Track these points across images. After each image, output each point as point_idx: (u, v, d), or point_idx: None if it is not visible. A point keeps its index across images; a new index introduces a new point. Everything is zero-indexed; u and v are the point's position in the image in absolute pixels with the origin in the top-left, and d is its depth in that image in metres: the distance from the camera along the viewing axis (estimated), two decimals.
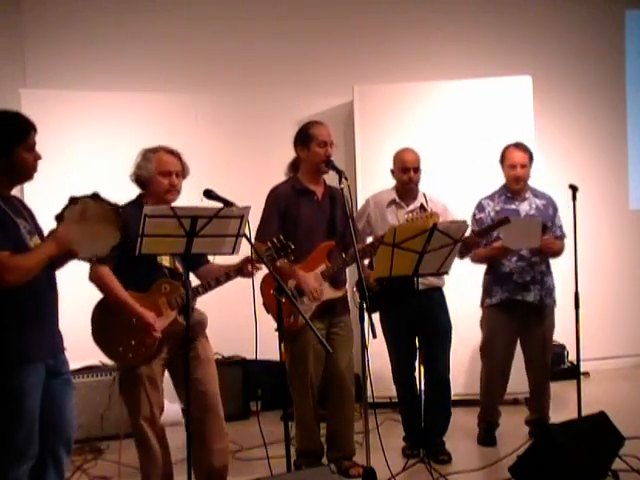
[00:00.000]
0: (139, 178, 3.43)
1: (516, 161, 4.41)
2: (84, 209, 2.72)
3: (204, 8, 6.18)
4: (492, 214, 4.43)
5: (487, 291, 4.48)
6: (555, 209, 4.53)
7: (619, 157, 6.94)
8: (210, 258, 3.54)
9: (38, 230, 2.80)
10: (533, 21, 6.67)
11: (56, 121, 5.21)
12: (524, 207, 4.46)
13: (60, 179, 5.00)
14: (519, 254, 4.35)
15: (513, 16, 6.64)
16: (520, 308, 4.39)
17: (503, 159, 4.48)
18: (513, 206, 4.46)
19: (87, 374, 4.82)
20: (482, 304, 4.53)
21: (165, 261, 3.33)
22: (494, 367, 4.46)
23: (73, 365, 4.37)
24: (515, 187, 4.45)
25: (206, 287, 3.38)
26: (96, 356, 4.92)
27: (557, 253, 4.43)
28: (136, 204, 3.38)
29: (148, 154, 3.42)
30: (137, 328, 3.28)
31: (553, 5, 6.72)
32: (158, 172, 3.38)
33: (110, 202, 2.78)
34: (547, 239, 4.29)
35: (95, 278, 3.26)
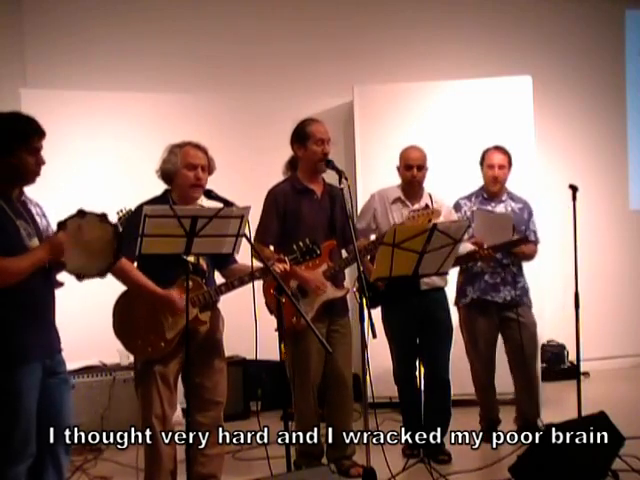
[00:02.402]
0: (165, 173, 3.44)
1: (495, 162, 4.48)
2: (88, 225, 2.73)
3: (204, 8, 6.18)
4: (468, 214, 4.49)
5: (460, 291, 4.54)
6: (530, 214, 4.59)
7: (619, 157, 6.94)
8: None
9: (38, 232, 2.80)
10: (533, 21, 6.67)
11: (56, 121, 5.19)
12: (499, 209, 4.52)
13: (60, 179, 5.00)
14: None
15: (513, 16, 6.64)
16: (493, 308, 4.45)
17: (483, 160, 4.55)
18: (489, 207, 4.51)
19: (87, 374, 4.81)
20: (456, 303, 4.57)
21: (189, 257, 3.29)
22: (481, 365, 4.53)
23: (73, 365, 4.40)
24: (493, 188, 4.51)
25: (229, 286, 3.39)
26: (96, 356, 4.98)
27: (529, 257, 4.50)
28: (162, 199, 3.40)
29: (175, 149, 3.44)
30: (157, 323, 3.30)
31: (553, 5, 6.73)
32: (184, 165, 3.39)
33: (115, 227, 2.79)
34: (528, 247, 4.39)
35: (113, 268, 3.26)
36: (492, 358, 4.54)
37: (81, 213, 2.72)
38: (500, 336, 4.56)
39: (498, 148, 4.53)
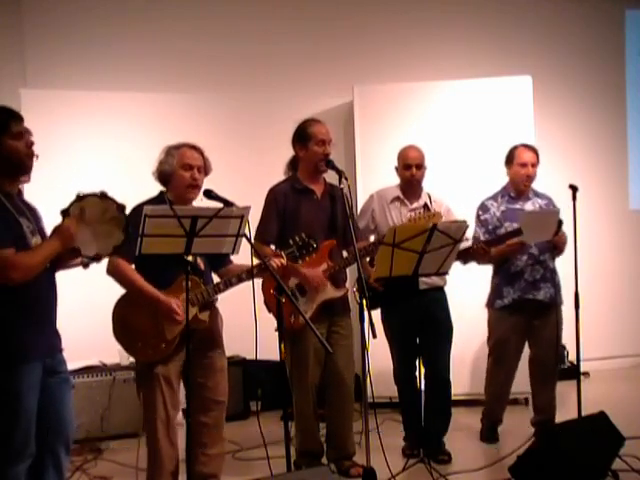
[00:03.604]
0: (161, 174, 3.45)
1: (527, 160, 4.42)
2: (90, 207, 2.74)
3: (204, 8, 6.18)
4: (497, 214, 4.43)
5: (497, 292, 4.43)
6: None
7: (619, 157, 6.94)
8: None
9: (40, 230, 2.80)
10: (533, 21, 6.67)
11: (56, 121, 5.21)
12: (528, 207, 4.45)
13: (60, 179, 5.00)
14: (529, 252, 4.34)
15: (513, 16, 6.64)
16: (531, 307, 4.37)
17: (511, 159, 4.47)
18: (518, 206, 4.44)
19: (87, 374, 4.82)
20: (491, 305, 4.48)
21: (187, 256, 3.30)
22: (504, 368, 4.45)
23: (73, 365, 4.40)
24: (524, 186, 4.44)
25: (227, 284, 3.40)
26: (96, 356, 4.98)
27: (563, 249, 4.41)
28: (157, 200, 3.40)
29: (171, 150, 3.45)
30: (157, 324, 3.29)
31: (553, 5, 6.73)
32: (180, 166, 3.40)
33: (117, 201, 2.80)
34: (563, 234, 4.28)
35: (113, 271, 3.28)
36: (518, 361, 4.46)
37: (79, 197, 2.73)
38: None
39: (527, 146, 4.48)
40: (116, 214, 2.78)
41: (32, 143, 2.73)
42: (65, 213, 2.70)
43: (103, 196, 2.77)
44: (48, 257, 2.66)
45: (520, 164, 4.42)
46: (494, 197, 4.52)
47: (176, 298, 3.29)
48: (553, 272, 4.41)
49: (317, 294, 3.85)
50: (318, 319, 3.81)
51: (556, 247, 4.35)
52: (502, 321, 4.41)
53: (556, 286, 4.40)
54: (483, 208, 4.50)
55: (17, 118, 2.72)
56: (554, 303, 4.37)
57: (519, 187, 4.46)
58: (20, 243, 2.66)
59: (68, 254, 2.75)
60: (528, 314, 4.38)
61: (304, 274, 3.79)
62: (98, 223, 2.77)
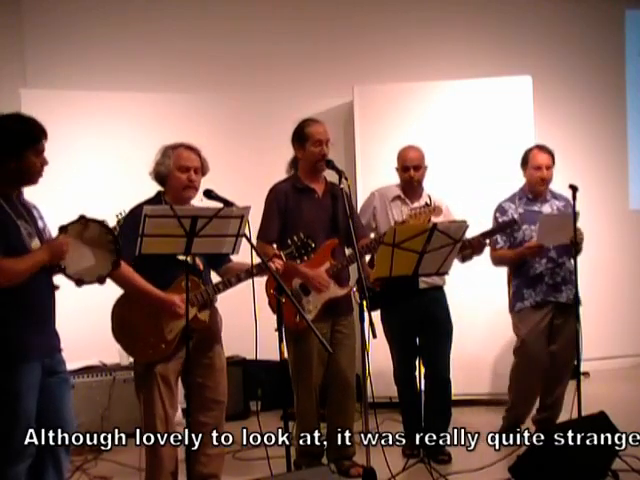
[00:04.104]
0: (158, 174, 3.44)
1: (541, 162, 4.38)
2: (88, 230, 2.75)
3: (204, 8, 6.19)
4: (515, 216, 4.39)
5: (518, 295, 4.39)
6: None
7: (619, 157, 6.94)
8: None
9: (38, 233, 2.80)
10: (533, 21, 6.67)
11: (56, 121, 5.17)
12: (546, 209, 4.43)
13: (60, 179, 5.00)
14: (548, 256, 4.32)
15: (513, 16, 6.64)
16: (551, 309, 4.35)
17: (526, 161, 4.45)
18: (535, 208, 4.42)
19: (87, 374, 4.82)
20: (512, 309, 4.44)
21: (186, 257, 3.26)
22: (535, 368, 4.35)
23: (73, 365, 4.40)
24: (539, 189, 4.42)
25: (226, 284, 3.39)
26: (96, 356, 4.98)
27: (581, 248, 4.33)
28: (155, 201, 3.39)
29: (168, 150, 3.43)
30: (156, 324, 3.29)
31: (553, 5, 6.72)
32: (177, 167, 3.39)
33: (114, 234, 2.80)
34: (580, 232, 4.21)
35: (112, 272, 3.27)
36: (545, 362, 4.36)
37: (83, 219, 2.74)
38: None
39: (542, 148, 4.45)
40: (110, 246, 2.78)
41: (46, 163, 2.76)
42: (63, 229, 2.70)
43: (104, 226, 2.78)
44: (34, 266, 2.65)
45: (534, 167, 4.40)
46: (511, 199, 4.49)
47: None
48: (572, 273, 4.32)
49: (321, 293, 3.84)
50: (321, 318, 3.82)
51: (573, 246, 4.26)
52: (524, 322, 4.36)
53: (574, 287, 4.32)
54: (501, 210, 4.46)
55: (45, 136, 2.75)
56: (573, 305, 4.29)
57: (535, 190, 4.44)
58: (18, 247, 2.67)
59: (52, 269, 2.74)
60: (550, 314, 4.35)
61: (306, 274, 3.79)
62: (91, 248, 2.77)
